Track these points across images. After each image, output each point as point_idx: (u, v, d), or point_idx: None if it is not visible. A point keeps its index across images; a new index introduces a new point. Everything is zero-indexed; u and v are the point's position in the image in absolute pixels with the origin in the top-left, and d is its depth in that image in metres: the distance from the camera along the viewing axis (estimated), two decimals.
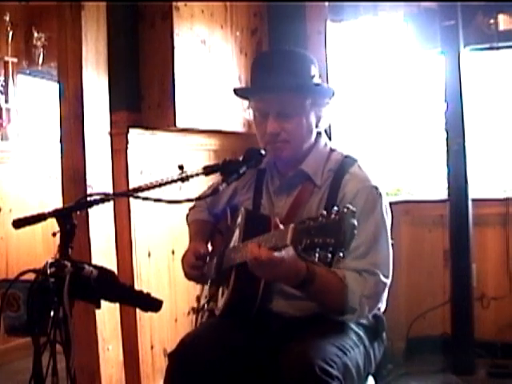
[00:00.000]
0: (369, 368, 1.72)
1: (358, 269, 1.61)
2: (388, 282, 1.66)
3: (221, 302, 1.78)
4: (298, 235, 1.32)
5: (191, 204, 2.14)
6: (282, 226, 1.42)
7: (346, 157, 1.79)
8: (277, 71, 1.72)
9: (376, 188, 1.70)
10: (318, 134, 1.82)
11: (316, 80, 1.79)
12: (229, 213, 1.96)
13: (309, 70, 1.76)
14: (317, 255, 1.29)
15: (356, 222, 1.25)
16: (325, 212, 1.28)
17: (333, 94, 1.79)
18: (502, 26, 3.17)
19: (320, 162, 1.78)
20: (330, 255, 1.28)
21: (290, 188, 1.81)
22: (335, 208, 1.27)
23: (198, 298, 2.04)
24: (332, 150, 1.82)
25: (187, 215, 2.14)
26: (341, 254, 1.27)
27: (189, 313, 2.04)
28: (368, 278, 1.61)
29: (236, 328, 1.72)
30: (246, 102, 1.86)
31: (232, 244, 1.83)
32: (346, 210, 1.25)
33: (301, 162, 1.78)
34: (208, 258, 1.96)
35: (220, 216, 2.02)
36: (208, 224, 2.07)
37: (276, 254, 1.43)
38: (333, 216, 1.26)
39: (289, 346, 1.57)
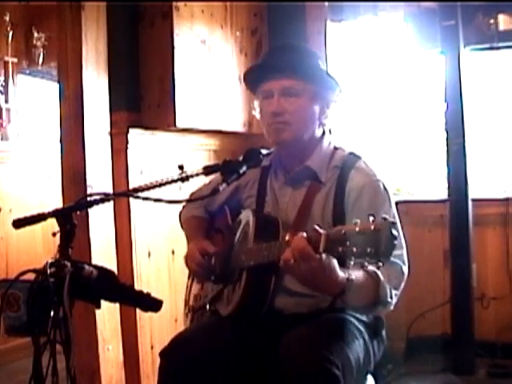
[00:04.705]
0: (368, 365, 1.72)
1: None
2: (407, 272, 1.65)
3: (228, 302, 1.77)
4: (331, 243, 1.31)
5: None
6: (321, 231, 1.34)
7: (351, 154, 1.81)
8: (287, 53, 1.78)
9: (382, 182, 1.72)
10: (323, 132, 1.83)
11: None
12: (228, 211, 1.96)
13: (317, 61, 1.82)
14: (351, 263, 1.27)
15: (397, 233, 1.23)
16: (358, 221, 1.27)
17: (339, 91, 1.81)
18: (502, 26, 3.17)
19: (325, 159, 1.79)
20: (366, 264, 1.26)
21: (294, 184, 1.81)
22: (371, 218, 1.25)
23: (196, 297, 2.02)
24: (336, 148, 1.83)
25: (180, 213, 2.11)
26: (380, 264, 1.24)
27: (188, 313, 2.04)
28: (390, 268, 1.60)
29: (232, 326, 1.72)
30: (250, 103, 1.87)
31: (237, 245, 1.83)
32: (383, 220, 1.24)
33: (306, 159, 1.79)
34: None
35: (218, 214, 2.01)
36: (204, 221, 2.05)
37: (323, 255, 1.36)
38: (372, 226, 1.24)
39: (288, 335, 1.57)
